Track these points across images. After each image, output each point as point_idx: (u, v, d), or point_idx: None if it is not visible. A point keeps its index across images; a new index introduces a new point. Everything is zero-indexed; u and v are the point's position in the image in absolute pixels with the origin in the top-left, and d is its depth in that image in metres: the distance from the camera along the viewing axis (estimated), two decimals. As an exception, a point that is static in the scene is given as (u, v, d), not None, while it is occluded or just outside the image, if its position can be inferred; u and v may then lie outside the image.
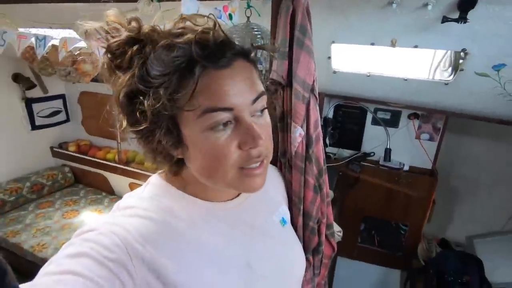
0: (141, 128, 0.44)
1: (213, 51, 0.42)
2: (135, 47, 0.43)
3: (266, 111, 0.50)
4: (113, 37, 0.44)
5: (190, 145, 0.47)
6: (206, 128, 0.44)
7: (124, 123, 0.47)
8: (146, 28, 0.44)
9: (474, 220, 2.19)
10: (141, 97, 0.43)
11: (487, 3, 0.89)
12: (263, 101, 0.48)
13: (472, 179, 2.15)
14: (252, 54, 0.49)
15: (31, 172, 2.76)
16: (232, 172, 0.47)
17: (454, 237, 2.26)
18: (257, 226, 0.60)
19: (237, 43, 0.47)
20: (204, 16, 0.46)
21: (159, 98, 0.41)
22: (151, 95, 0.42)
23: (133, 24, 0.45)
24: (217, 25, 0.44)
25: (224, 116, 0.44)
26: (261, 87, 0.48)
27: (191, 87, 0.42)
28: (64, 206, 2.63)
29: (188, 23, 0.45)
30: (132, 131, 0.47)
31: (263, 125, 0.49)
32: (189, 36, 0.42)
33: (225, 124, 0.45)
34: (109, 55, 0.45)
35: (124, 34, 0.44)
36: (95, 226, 0.46)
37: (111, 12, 0.46)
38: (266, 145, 0.49)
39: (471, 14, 0.90)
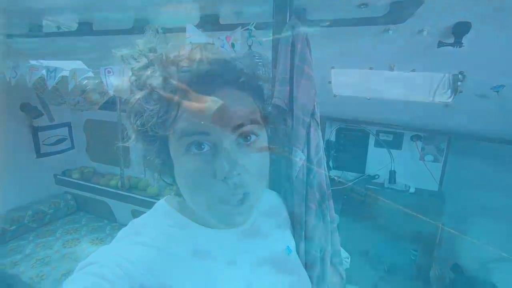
0: (136, 142, 0.49)
1: (196, 79, 0.44)
2: (148, 71, 0.48)
3: (259, 142, 0.48)
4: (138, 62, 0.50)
5: (175, 167, 0.49)
6: (184, 151, 0.45)
7: (133, 136, 0.51)
8: (151, 56, 0.49)
9: (485, 244, 2.11)
10: (140, 115, 0.47)
11: (481, 28, 0.92)
12: (250, 130, 0.47)
13: (481, 201, 2.10)
14: (249, 83, 0.49)
15: (34, 200, 2.75)
16: (209, 201, 0.46)
17: (467, 262, 2.17)
18: (260, 256, 0.58)
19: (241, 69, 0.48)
20: (213, 44, 0.48)
21: (149, 119, 0.45)
22: (145, 114, 0.45)
23: (151, 52, 0.50)
24: (203, 56, 0.45)
25: (200, 138, 0.45)
26: (250, 116, 0.47)
27: (174, 111, 0.44)
28: (65, 235, 2.59)
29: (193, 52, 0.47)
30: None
31: (248, 155, 0.46)
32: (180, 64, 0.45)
33: (201, 148, 0.45)
34: (133, 77, 0.50)
35: (144, 60, 0.49)
36: (97, 258, 0.45)
37: (141, 41, 0.51)
38: (246, 177, 0.46)
39: (466, 39, 0.92)
